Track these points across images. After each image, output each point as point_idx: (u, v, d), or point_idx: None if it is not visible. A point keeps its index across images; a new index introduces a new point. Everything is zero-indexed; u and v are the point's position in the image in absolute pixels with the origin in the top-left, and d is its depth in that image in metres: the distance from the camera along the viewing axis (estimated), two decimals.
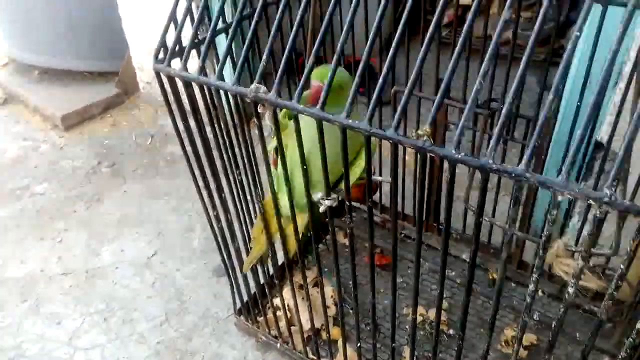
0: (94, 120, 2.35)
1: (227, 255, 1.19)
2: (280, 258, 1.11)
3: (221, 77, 0.82)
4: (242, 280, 1.26)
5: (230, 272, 1.23)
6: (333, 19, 0.72)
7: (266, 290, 1.26)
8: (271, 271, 1.22)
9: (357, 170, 0.98)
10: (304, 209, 1.00)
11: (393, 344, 1.01)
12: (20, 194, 1.95)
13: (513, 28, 1.16)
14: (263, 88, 0.76)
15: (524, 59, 0.59)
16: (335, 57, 0.71)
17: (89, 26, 2.37)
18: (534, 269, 0.69)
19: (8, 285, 1.59)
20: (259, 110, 0.80)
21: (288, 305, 1.27)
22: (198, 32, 0.86)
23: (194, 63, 0.81)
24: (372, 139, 0.69)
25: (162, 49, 0.87)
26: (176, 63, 0.86)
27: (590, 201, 0.57)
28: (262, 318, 1.32)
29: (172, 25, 0.86)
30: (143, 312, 1.50)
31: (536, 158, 1.19)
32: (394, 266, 0.86)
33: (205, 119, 0.97)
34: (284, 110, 0.99)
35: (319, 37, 0.72)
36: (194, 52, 0.86)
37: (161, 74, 0.87)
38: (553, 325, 0.74)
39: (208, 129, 0.99)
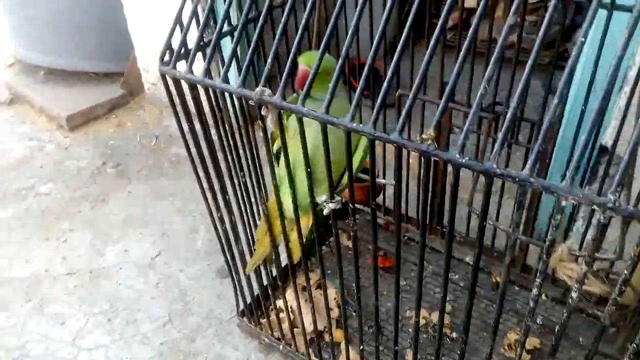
0: (99, 120, 2.36)
1: (230, 257, 1.19)
2: (284, 260, 1.11)
3: (226, 80, 0.82)
4: (245, 282, 1.26)
5: (233, 273, 1.23)
6: (338, 22, 0.73)
7: (269, 292, 1.26)
8: (274, 273, 1.22)
9: (355, 158, 0.96)
10: (307, 210, 1.00)
11: (396, 347, 1.01)
12: (26, 194, 1.96)
13: (518, 32, 1.16)
14: (268, 91, 0.76)
15: (529, 63, 0.59)
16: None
17: (95, 27, 2.38)
18: (538, 273, 0.69)
19: (13, 285, 1.60)
20: (262, 113, 0.81)
21: (291, 307, 1.27)
22: (204, 35, 0.87)
23: (199, 66, 0.81)
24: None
25: (167, 51, 0.87)
26: (182, 65, 0.87)
27: (594, 206, 0.57)
28: (265, 320, 1.32)
29: (177, 28, 0.87)
30: (147, 312, 1.50)
31: (540, 162, 1.19)
32: (397, 269, 0.86)
33: (210, 121, 0.98)
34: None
35: (324, 40, 0.72)
36: (199, 54, 0.87)
37: (167, 76, 0.88)
38: (556, 330, 0.74)
39: (213, 131, 1.00)
